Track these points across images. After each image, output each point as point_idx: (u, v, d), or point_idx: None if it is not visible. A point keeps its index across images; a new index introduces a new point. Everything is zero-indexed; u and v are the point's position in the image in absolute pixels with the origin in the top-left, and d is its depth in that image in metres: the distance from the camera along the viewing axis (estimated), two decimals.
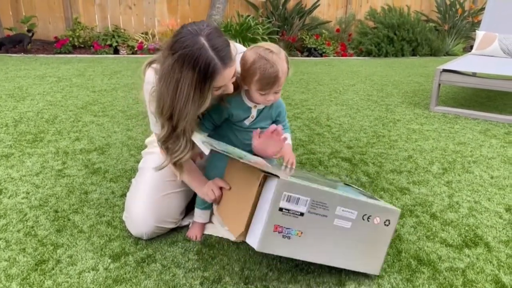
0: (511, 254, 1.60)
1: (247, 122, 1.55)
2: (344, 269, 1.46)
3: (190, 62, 1.25)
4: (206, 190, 1.51)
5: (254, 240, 1.22)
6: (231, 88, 1.40)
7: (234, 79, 1.42)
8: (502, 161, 2.50)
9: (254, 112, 1.53)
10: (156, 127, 1.51)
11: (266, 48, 1.41)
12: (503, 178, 2.26)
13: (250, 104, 1.52)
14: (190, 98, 1.28)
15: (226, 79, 1.33)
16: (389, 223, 1.43)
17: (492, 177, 2.27)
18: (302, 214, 1.23)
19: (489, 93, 4.34)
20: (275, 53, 1.40)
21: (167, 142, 1.41)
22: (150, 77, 1.44)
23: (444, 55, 7.53)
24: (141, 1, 7.09)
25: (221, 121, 1.55)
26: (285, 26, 7.25)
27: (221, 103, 1.51)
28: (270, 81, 1.39)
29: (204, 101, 1.32)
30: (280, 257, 1.52)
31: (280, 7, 7.21)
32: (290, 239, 1.24)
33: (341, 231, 1.32)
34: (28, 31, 6.33)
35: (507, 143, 2.81)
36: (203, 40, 1.26)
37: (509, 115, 3.39)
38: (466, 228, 1.78)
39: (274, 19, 7.14)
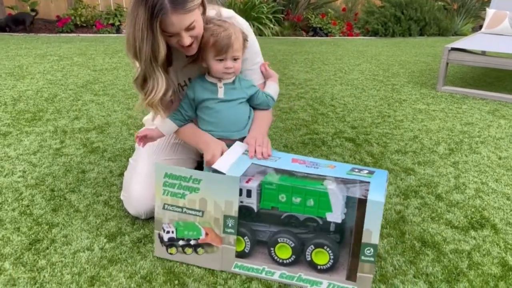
0: None
1: (219, 95, 1.48)
2: None
3: None
4: (213, 149, 1.44)
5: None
6: (186, 41, 1.33)
7: (196, 38, 1.37)
8: (511, 142, 2.43)
9: (220, 85, 1.48)
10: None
11: (218, 19, 1.44)
12: (511, 159, 2.20)
13: (213, 80, 1.48)
14: (144, 37, 1.27)
15: (176, 25, 1.28)
16: None
17: (500, 158, 2.21)
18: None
19: (499, 73, 4.23)
20: (227, 22, 1.43)
21: (138, 84, 1.41)
22: None
23: (453, 35, 7.37)
24: None
25: (194, 100, 1.50)
26: (290, 5, 7.10)
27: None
28: (224, 44, 1.38)
29: (156, 43, 1.29)
30: None
31: None
32: None
33: None
34: (32, 10, 6.25)
35: None
36: None
37: None
38: (473, 209, 1.73)
39: None
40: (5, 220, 1.57)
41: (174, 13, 1.26)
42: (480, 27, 7.51)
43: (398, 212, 1.70)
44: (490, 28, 4.20)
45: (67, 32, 6.25)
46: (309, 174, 1.28)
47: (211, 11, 1.46)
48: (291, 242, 1.28)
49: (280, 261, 1.30)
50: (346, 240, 1.29)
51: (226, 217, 1.27)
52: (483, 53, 3.92)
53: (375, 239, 1.16)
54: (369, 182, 1.22)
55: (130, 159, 1.77)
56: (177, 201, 1.29)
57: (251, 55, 1.57)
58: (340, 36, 6.94)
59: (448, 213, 1.70)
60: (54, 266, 1.33)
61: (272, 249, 1.30)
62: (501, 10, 4.21)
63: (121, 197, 1.67)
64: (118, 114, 2.74)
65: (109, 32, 6.31)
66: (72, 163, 2.04)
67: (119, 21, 6.52)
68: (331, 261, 1.26)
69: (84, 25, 6.57)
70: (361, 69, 4.27)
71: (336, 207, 1.22)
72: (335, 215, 1.23)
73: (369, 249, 1.17)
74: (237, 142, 1.45)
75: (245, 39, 1.46)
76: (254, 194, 1.28)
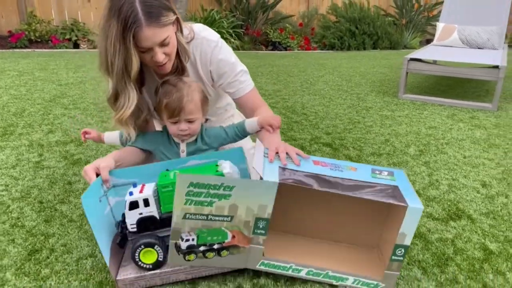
0: (493, 225, 1.69)
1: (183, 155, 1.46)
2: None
3: (116, 11, 1.22)
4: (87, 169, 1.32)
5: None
6: (159, 57, 1.31)
7: (169, 56, 1.35)
8: (472, 142, 2.63)
9: (183, 147, 1.45)
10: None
11: (177, 78, 1.40)
12: (474, 158, 2.39)
13: (177, 140, 1.45)
14: (116, 50, 1.24)
15: (149, 40, 1.25)
16: None
17: (464, 157, 2.39)
18: None
19: (449, 81, 4.54)
20: (184, 82, 1.38)
21: (111, 101, 1.38)
22: None
23: (403, 48, 7.80)
24: None
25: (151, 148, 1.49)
26: (249, 20, 7.26)
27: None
28: (175, 107, 1.34)
29: (129, 57, 1.25)
30: None
31: (244, 1, 7.22)
32: None
33: None
34: None
35: (473, 126, 2.96)
36: None
37: (471, 101, 3.57)
38: (449, 203, 1.87)
39: (238, 13, 7.14)
40: None
41: (148, 26, 1.23)
42: (427, 41, 8.05)
43: None
44: (441, 41, 4.51)
45: (21, 47, 6.04)
46: (341, 178, 1.27)
47: (184, 30, 1.43)
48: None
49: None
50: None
51: (257, 219, 1.22)
52: (434, 62, 4.21)
53: (408, 241, 1.22)
54: (397, 186, 1.27)
55: None
56: (202, 209, 1.19)
57: (229, 68, 1.52)
58: (298, 50, 7.16)
59: (428, 207, 1.83)
60: (59, 274, 1.32)
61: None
62: (450, 23, 4.54)
63: None
64: (93, 127, 2.70)
65: (66, 47, 6.17)
66: (55, 175, 2.00)
67: (76, 36, 6.40)
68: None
69: (39, 40, 6.39)
70: (325, 80, 4.44)
71: None
72: None
73: (400, 250, 1.23)
74: (258, 142, 1.46)
75: (204, 97, 1.42)
76: (152, 202, 1.25)
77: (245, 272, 1.35)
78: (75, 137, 2.50)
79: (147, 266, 1.27)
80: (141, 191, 1.25)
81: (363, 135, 2.73)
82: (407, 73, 3.67)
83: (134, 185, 1.28)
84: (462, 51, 4.20)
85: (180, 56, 1.42)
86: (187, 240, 1.22)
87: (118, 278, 1.25)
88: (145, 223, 1.26)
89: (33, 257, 1.39)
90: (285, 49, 7.07)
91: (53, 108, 3.05)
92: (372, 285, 1.30)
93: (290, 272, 1.31)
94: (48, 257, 1.40)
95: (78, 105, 3.15)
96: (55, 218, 1.64)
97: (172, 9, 1.31)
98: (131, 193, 1.25)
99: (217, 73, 1.52)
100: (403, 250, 1.23)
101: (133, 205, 1.24)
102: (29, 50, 5.90)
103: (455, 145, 2.57)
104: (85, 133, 1.53)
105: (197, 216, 1.19)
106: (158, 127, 1.63)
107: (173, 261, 1.26)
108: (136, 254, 1.25)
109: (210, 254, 1.26)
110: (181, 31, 1.39)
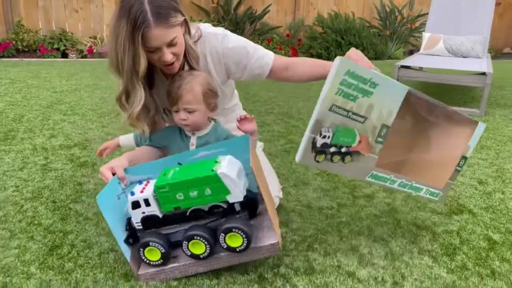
0: (494, 218, 1.78)
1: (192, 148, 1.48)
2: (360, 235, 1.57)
3: (125, 11, 1.26)
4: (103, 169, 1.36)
5: None
6: (167, 57, 1.34)
7: (177, 56, 1.38)
8: None
9: (193, 140, 1.46)
10: None
11: (188, 71, 1.44)
12: (469, 158, 2.48)
13: (188, 133, 1.47)
14: (126, 49, 1.28)
15: (158, 40, 1.29)
16: None
17: None
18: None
19: (436, 89, 4.69)
20: (192, 74, 1.41)
21: (123, 100, 1.41)
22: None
23: (387, 59, 7.99)
24: (87, 4, 6.88)
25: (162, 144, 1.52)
26: (237, 31, 7.36)
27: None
28: (173, 94, 1.37)
29: (137, 57, 1.29)
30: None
31: (232, 12, 7.33)
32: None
33: None
34: None
35: None
36: None
37: (459, 107, 3.70)
38: (449, 199, 1.95)
39: (226, 24, 7.23)
40: (15, 230, 1.54)
41: (157, 26, 1.27)
42: (410, 51, 8.27)
43: (388, 204, 1.87)
44: (427, 50, 4.67)
45: (8, 56, 6.00)
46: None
47: (191, 30, 1.46)
48: (202, 239, 1.27)
49: (196, 256, 1.30)
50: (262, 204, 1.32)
51: (382, 126, 1.26)
52: (421, 69, 4.36)
53: (469, 153, 1.51)
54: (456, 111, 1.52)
55: None
56: (346, 103, 1.18)
57: (243, 52, 1.52)
58: None
59: (430, 202, 1.90)
60: (83, 267, 1.34)
61: (185, 244, 1.29)
62: (436, 33, 4.71)
63: None
64: (94, 131, 2.72)
65: (55, 57, 6.16)
66: (64, 177, 2.02)
67: (65, 45, 6.38)
68: (245, 241, 1.27)
69: (26, 49, 6.35)
70: (317, 88, 4.52)
71: (233, 187, 1.23)
72: (235, 195, 1.25)
73: (462, 161, 1.50)
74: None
75: (209, 90, 1.42)
76: (152, 202, 1.27)
77: (265, 263, 1.39)
78: (78, 141, 2.52)
79: (155, 263, 1.30)
80: (142, 190, 1.28)
81: None
82: (397, 79, 3.79)
83: (140, 182, 1.31)
84: (448, 59, 4.36)
85: (188, 57, 1.45)
86: (324, 137, 1.21)
87: (139, 272, 1.28)
88: (149, 221, 1.29)
89: (54, 252, 1.41)
90: None
91: (51, 114, 3.05)
92: (435, 194, 1.53)
93: (387, 184, 1.42)
94: (69, 252, 1.42)
95: (76, 111, 3.16)
96: (70, 216, 1.65)
97: (180, 10, 1.35)
98: (132, 193, 1.28)
99: (233, 62, 1.53)
100: (464, 161, 1.50)
101: (135, 205, 1.27)
102: (17, 59, 5.87)
103: None
104: (103, 150, 1.57)
105: (340, 110, 1.19)
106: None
107: (303, 159, 1.23)
108: (141, 253, 1.29)
109: (336, 158, 1.26)
110: (189, 33, 1.43)
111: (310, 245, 1.52)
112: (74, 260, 1.37)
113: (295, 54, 7.44)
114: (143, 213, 1.28)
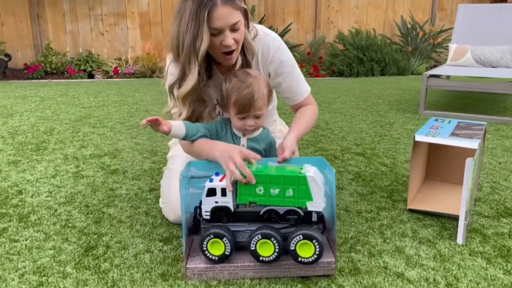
0: None
1: None
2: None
3: None
4: (225, 159, 1.27)
5: None
6: (229, 41, 1.31)
7: (237, 45, 1.36)
8: (504, 150, 2.63)
9: (243, 141, 1.42)
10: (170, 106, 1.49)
11: (244, 71, 1.39)
12: (510, 163, 2.38)
13: (238, 133, 1.43)
14: (189, 28, 1.27)
15: (222, 19, 1.28)
16: None
17: (500, 163, 2.39)
18: None
19: (466, 99, 4.58)
20: (252, 76, 1.36)
21: (174, 87, 1.40)
22: (170, 68, 1.44)
23: (410, 74, 7.91)
24: (113, 27, 7.05)
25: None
26: None
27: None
28: (245, 103, 1.31)
29: (200, 35, 1.27)
30: None
31: None
32: None
33: None
34: (6, 55, 6.14)
35: (501, 136, 2.97)
36: None
37: (492, 116, 3.59)
38: (495, 202, 1.85)
39: None
40: (50, 233, 1.51)
41: (223, 5, 1.27)
42: (433, 66, 8.16)
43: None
44: (454, 61, 4.58)
45: (37, 78, 6.16)
46: None
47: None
48: (276, 242, 1.21)
49: (262, 258, 1.23)
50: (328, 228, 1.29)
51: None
52: (448, 78, 4.27)
53: None
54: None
55: (164, 168, 1.78)
56: None
57: (289, 69, 1.55)
58: (308, 77, 7.26)
59: (476, 206, 1.81)
60: (119, 267, 1.29)
61: (256, 240, 1.22)
62: (462, 44, 4.63)
63: (160, 205, 1.66)
64: (124, 142, 2.72)
65: (82, 77, 6.28)
66: (96, 183, 2.00)
67: (91, 66, 6.52)
68: (316, 253, 1.21)
69: (55, 71, 6.52)
70: (342, 101, 4.48)
71: (316, 195, 1.19)
72: (316, 204, 1.20)
73: None
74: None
75: (270, 90, 1.40)
76: (229, 192, 1.23)
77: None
78: (108, 151, 2.51)
79: (213, 258, 1.24)
80: (221, 180, 1.24)
81: (393, 145, 2.73)
82: (426, 89, 3.71)
83: (217, 174, 1.27)
84: (477, 69, 4.26)
85: (245, 50, 1.44)
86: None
87: (188, 266, 1.23)
88: (218, 213, 1.24)
89: (90, 253, 1.38)
90: None
91: (81, 127, 3.07)
92: None
93: None
94: (105, 253, 1.38)
95: (105, 124, 3.18)
96: (104, 220, 1.62)
97: None
98: (211, 180, 1.24)
99: (275, 73, 1.55)
100: None
101: (211, 192, 1.22)
102: (46, 80, 6.01)
103: (487, 153, 2.57)
104: (153, 121, 1.28)
105: None
106: None
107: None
108: (204, 243, 1.23)
109: None
110: (248, 26, 1.42)
111: (353, 246, 1.45)
112: (110, 260, 1.33)
113: (316, 71, 7.43)
114: (216, 202, 1.23)
